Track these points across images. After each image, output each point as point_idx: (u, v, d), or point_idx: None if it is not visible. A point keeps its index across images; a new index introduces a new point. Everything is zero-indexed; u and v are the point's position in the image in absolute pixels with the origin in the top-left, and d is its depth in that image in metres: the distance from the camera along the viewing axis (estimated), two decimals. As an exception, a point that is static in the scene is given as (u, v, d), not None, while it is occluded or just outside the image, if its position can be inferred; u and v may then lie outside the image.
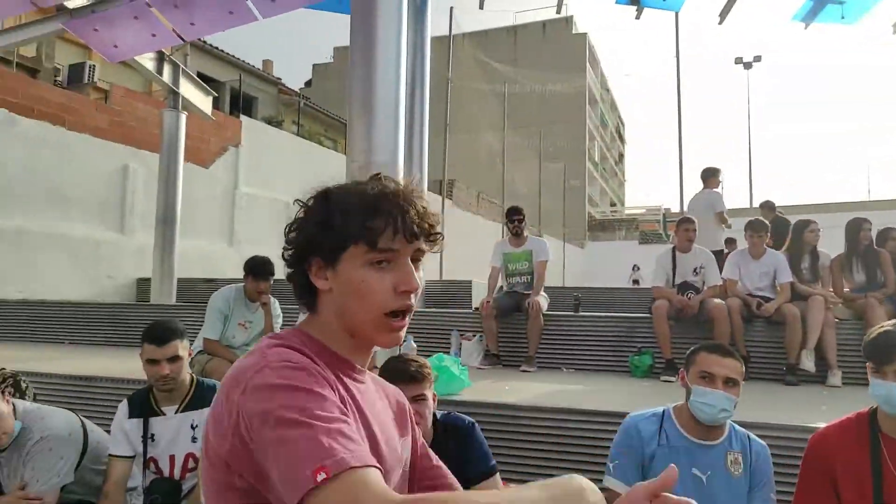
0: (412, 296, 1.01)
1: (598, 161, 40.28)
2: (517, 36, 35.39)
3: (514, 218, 5.68)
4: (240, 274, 4.12)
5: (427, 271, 7.32)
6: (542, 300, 5.37)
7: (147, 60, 7.49)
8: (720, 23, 8.20)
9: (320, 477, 0.76)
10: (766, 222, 5.35)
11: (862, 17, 7.11)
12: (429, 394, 2.18)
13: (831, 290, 5.25)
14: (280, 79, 22.32)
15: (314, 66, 38.37)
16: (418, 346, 5.09)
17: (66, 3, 6.00)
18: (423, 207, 1.03)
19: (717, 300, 4.90)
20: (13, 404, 2.40)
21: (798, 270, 5.22)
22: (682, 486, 2.04)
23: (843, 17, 7.22)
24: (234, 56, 19.39)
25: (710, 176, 7.52)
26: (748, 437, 2.15)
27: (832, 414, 2.09)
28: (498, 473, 2.20)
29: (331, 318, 1.03)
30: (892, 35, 7.72)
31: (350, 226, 0.99)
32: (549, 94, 29.37)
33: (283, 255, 1.08)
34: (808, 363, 4.61)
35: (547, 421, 3.26)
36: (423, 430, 2.13)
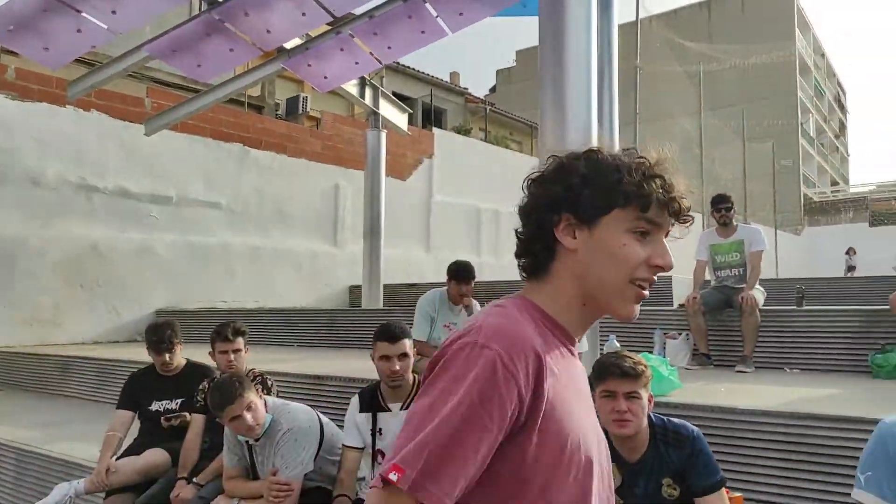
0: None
1: (815, 136, 35.88)
2: (711, 10, 32.87)
3: (720, 206, 5.27)
4: (437, 277, 4.34)
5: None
6: (758, 294, 4.91)
7: (351, 87, 8.21)
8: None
9: (392, 476, 0.81)
10: None
11: None
12: (644, 393, 2.10)
13: None
14: (466, 88, 23.15)
15: (497, 71, 39.19)
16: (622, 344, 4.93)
17: (284, 45, 6.80)
18: (685, 187, 0.99)
19: None
20: (264, 400, 2.77)
21: None
22: None
23: None
24: (423, 72, 20.51)
25: None
26: None
27: None
28: (724, 486, 2.06)
29: (566, 283, 0.98)
30: None
31: (622, 187, 0.95)
32: (751, 69, 26.79)
33: (518, 209, 1.04)
34: None
35: (776, 426, 2.96)
36: (633, 431, 2.07)
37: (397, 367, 2.67)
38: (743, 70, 26.03)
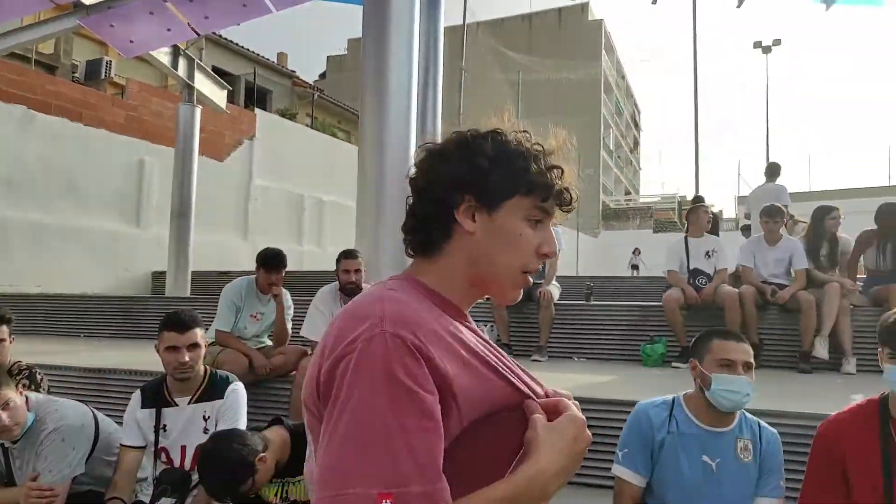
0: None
1: (613, 149, 39.95)
2: (532, 24, 35.10)
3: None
4: (254, 266, 4.15)
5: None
6: (554, 289, 5.35)
7: (162, 55, 7.55)
8: (738, 6, 8.10)
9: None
10: (783, 208, 5.27)
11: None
12: None
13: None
14: (294, 71, 22.39)
15: (328, 58, 38.43)
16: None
17: (82, 0, 6.06)
18: (574, 176, 1.00)
19: (730, 288, 4.85)
20: (26, 396, 2.44)
21: (816, 257, 5.14)
22: (692, 472, 2.03)
23: (866, -3, 7.05)
24: (248, 49, 19.47)
25: (775, 171, 7.92)
26: (759, 424, 2.13)
27: (845, 402, 2.06)
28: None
29: (457, 263, 0.96)
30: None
31: (528, 175, 0.94)
32: (564, 83, 29.09)
33: (412, 181, 0.99)
34: (821, 351, 4.55)
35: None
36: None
37: (186, 359, 2.49)
38: (557, 83, 28.19)
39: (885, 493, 1.81)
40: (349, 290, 3.88)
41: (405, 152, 4.54)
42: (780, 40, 24.12)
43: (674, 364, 4.74)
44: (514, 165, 0.94)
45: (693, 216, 5.35)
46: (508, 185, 0.93)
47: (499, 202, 0.94)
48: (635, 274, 17.35)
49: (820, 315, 4.59)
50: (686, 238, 5.29)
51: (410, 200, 0.99)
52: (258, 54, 19.93)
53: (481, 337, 0.97)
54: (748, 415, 2.15)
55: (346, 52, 36.63)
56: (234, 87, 17.39)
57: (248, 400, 2.74)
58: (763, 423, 2.14)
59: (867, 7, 7.14)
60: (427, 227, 0.96)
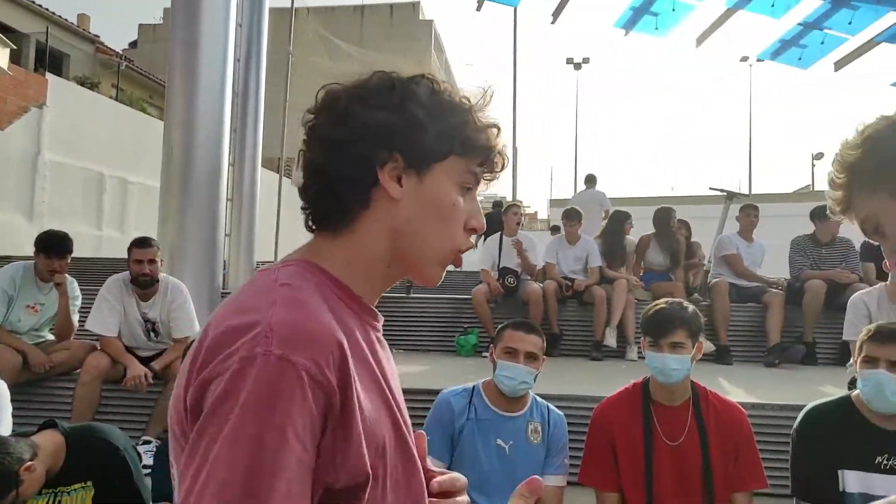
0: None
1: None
2: (364, 16, 34.95)
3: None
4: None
5: (261, 252, 7.00)
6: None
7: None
8: (553, 22, 8.72)
9: None
10: (580, 211, 5.79)
11: (671, 30, 7.92)
12: None
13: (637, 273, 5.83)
14: (98, 36, 20.10)
15: (140, 26, 35.06)
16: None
17: None
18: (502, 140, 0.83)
19: (534, 284, 5.23)
20: None
21: (610, 255, 5.71)
22: (487, 456, 2.15)
23: (656, 28, 7.99)
24: (41, 5, 17.11)
25: (592, 179, 9.29)
26: (548, 407, 2.31)
27: (624, 385, 2.30)
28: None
29: (377, 241, 0.77)
30: (695, 48, 8.63)
31: (465, 130, 0.77)
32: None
33: (315, 132, 0.77)
34: (611, 340, 5.08)
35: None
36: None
37: None
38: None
39: (645, 468, 2.06)
40: (142, 283, 3.55)
41: (217, 131, 4.28)
42: (588, 58, 26.50)
43: (483, 354, 5.00)
44: (451, 119, 0.77)
45: (505, 217, 5.71)
46: (444, 142, 0.76)
47: (431, 163, 0.76)
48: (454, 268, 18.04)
49: (610, 308, 5.12)
50: (501, 236, 5.60)
51: (311, 157, 0.78)
52: (53, 12, 17.59)
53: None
54: (539, 399, 2.32)
55: (160, 21, 33.69)
56: (21, 46, 15.19)
57: (23, 401, 2.42)
58: (552, 407, 2.32)
59: (653, 37, 8.09)
60: (339, 192, 0.75)
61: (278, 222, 8.89)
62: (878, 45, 7.74)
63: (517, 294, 5.32)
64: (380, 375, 0.75)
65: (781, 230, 5.99)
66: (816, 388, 3.85)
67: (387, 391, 0.75)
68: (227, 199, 6.35)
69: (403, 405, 0.80)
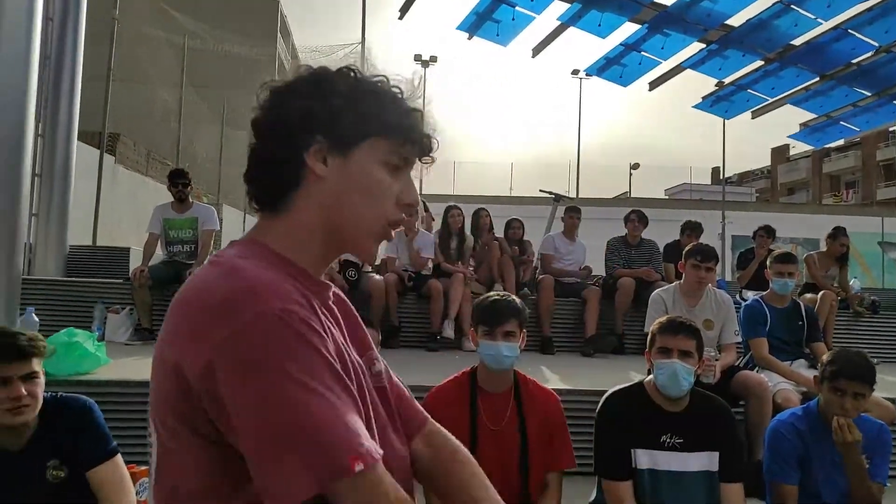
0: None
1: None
2: (203, -13, 32.73)
3: (177, 182, 5.26)
4: None
5: (76, 235, 6.38)
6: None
7: None
8: (400, 18, 8.80)
9: (358, 467, 0.70)
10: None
11: (512, 39, 8.33)
12: (41, 370, 1.88)
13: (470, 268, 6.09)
14: None
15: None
16: (49, 319, 4.42)
17: None
18: (435, 122, 0.92)
19: (376, 277, 5.28)
20: None
21: (447, 250, 5.90)
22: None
23: (497, 35, 8.36)
24: None
25: None
26: None
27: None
28: (119, 455, 1.99)
29: (310, 217, 0.86)
30: (532, 58, 9.15)
31: (385, 115, 0.86)
32: (235, 57, 27.85)
33: (254, 122, 0.88)
34: (448, 331, 5.27)
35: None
36: (31, 418, 1.85)
37: None
38: (226, 56, 26.83)
39: (469, 450, 2.17)
40: None
41: (20, 97, 3.81)
42: (436, 57, 27.07)
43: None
44: (369, 104, 0.86)
45: None
46: (362, 124, 0.86)
47: (353, 144, 0.86)
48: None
49: (448, 301, 5.30)
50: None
51: (250, 143, 0.89)
52: None
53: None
54: None
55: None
56: None
57: None
58: None
59: (495, 44, 8.48)
60: (273, 173, 0.86)
61: (98, 202, 8.09)
62: (684, 69, 8.77)
63: (359, 287, 5.31)
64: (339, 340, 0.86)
65: (604, 231, 6.56)
66: (625, 375, 4.27)
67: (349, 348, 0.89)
68: (34, 175, 5.68)
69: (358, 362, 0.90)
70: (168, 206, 5.33)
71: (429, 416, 1.10)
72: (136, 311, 4.87)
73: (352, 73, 0.88)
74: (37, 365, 1.85)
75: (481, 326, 2.25)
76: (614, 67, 8.83)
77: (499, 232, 6.43)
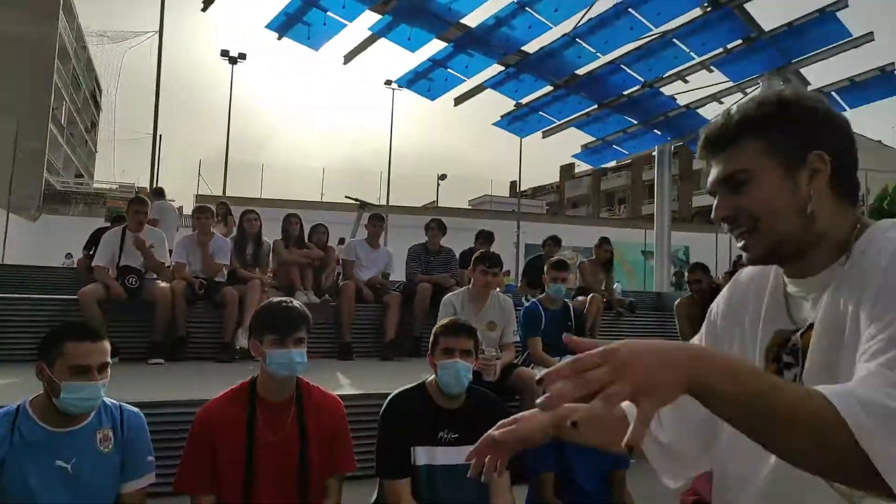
0: None
1: (66, 125, 35.46)
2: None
3: None
4: None
5: None
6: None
7: None
8: (203, 10, 8.26)
9: None
10: (213, 209, 5.59)
11: (323, 43, 8.22)
12: None
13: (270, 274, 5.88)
14: None
15: None
16: None
17: None
18: None
19: (162, 283, 4.88)
20: None
21: (242, 255, 5.63)
22: (45, 481, 1.87)
23: (308, 38, 8.20)
24: None
25: (161, 192, 8.90)
26: (120, 408, 2.08)
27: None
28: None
29: None
30: (343, 65, 9.11)
31: None
32: (3, 35, 24.24)
33: None
34: (243, 341, 5.00)
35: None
36: None
37: None
38: (-6, 32, 23.28)
39: (246, 465, 2.07)
40: None
41: None
42: (245, 54, 25.81)
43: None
44: None
45: (127, 214, 5.23)
46: None
47: None
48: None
49: (242, 309, 5.04)
50: (124, 231, 5.06)
51: None
52: None
53: None
54: (109, 402, 2.06)
55: None
56: None
57: None
58: (126, 407, 2.10)
59: (306, 47, 8.33)
60: None
61: None
62: (486, 88, 9.32)
63: (142, 296, 4.85)
64: None
65: (413, 239, 6.70)
66: (420, 377, 4.40)
67: None
68: None
69: None
70: None
71: None
72: None
73: None
74: None
75: (269, 335, 2.16)
76: (422, 81, 9.12)
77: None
